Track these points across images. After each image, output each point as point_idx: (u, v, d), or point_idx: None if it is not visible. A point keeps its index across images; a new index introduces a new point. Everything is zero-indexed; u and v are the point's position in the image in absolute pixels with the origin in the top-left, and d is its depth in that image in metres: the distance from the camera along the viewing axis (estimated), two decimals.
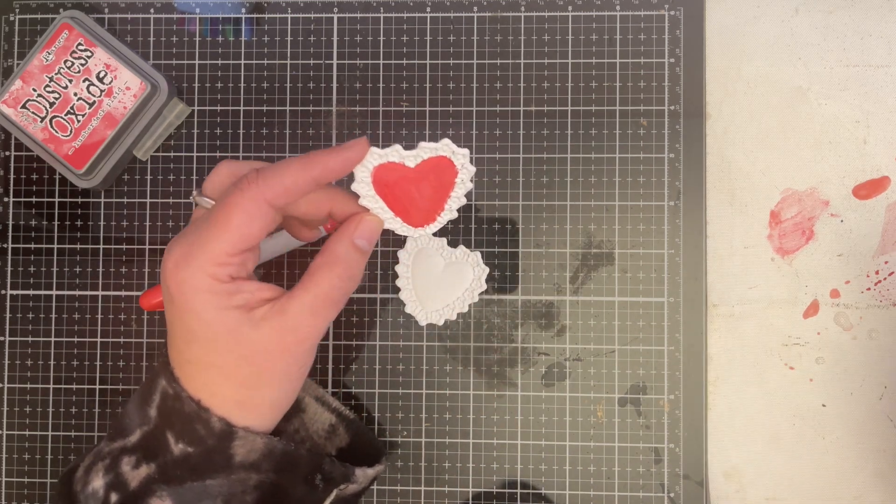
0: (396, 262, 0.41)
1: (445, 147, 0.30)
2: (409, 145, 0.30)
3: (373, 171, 0.30)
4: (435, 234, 0.40)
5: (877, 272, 0.40)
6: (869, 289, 0.40)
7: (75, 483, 0.30)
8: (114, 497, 0.29)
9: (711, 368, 0.40)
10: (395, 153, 0.30)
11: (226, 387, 0.29)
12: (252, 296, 0.29)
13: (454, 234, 0.41)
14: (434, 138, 0.41)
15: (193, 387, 0.29)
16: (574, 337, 0.40)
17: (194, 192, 0.31)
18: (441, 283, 0.40)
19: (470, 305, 0.40)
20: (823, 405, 0.40)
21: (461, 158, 0.30)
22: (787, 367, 0.40)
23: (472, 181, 0.30)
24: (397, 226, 0.31)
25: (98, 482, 0.29)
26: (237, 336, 0.28)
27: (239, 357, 0.28)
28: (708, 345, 0.40)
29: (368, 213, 0.30)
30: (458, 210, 0.32)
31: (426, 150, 0.30)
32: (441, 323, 0.40)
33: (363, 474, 0.34)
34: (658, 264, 0.40)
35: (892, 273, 0.40)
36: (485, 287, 0.40)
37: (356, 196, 0.30)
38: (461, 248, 0.40)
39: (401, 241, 0.41)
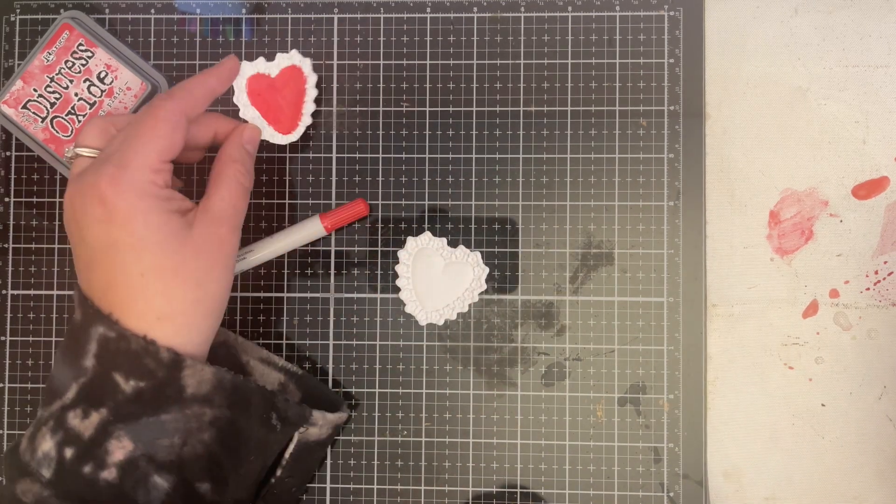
0: (396, 262, 0.41)
1: (294, 56, 0.40)
2: (270, 53, 0.41)
3: (246, 81, 0.39)
4: (434, 235, 0.40)
5: (876, 272, 0.40)
6: (868, 289, 0.40)
7: (22, 455, 0.30)
8: (69, 452, 0.29)
9: (711, 368, 0.40)
10: (261, 64, 0.39)
11: (178, 291, 0.31)
12: (181, 203, 0.32)
13: (454, 234, 0.41)
14: (434, 138, 0.41)
15: (136, 322, 0.30)
16: (574, 337, 0.40)
17: (70, 149, 0.33)
18: (441, 283, 0.40)
19: (470, 305, 0.41)
20: (823, 405, 0.40)
21: (307, 67, 0.40)
22: (786, 367, 0.40)
23: (315, 87, 0.40)
24: (270, 134, 0.40)
25: (47, 444, 0.30)
26: (182, 236, 0.31)
27: (186, 256, 0.31)
28: (707, 345, 0.40)
29: (249, 124, 0.37)
30: (314, 117, 0.40)
31: (283, 58, 0.40)
32: (441, 323, 0.40)
33: (322, 417, 0.36)
34: (657, 264, 0.40)
35: (892, 273, 0.40)
36: (485, 287, 0.40)
37: (230, 119, 0.37)
38: (461, 248, 0.40)
39: (401, 242, 0.41)
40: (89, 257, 0.31)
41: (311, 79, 0.40)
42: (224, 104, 0.42)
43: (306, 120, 0.40)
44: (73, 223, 0.31)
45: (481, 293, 0.40)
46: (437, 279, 0.40)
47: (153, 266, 0.30)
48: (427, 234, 0.40)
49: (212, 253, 0.32)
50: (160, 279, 0.30)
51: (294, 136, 0.40)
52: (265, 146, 0.41)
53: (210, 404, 0.31)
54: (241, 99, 0.40)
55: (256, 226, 0.41)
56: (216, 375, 0.31)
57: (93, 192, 0.30)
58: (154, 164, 0.31)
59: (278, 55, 0.40)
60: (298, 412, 0.35)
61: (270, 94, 0.39)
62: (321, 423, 0.36)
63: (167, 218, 0.31)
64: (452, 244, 0.41)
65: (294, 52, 0.40)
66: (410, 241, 0.40)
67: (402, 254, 0.40)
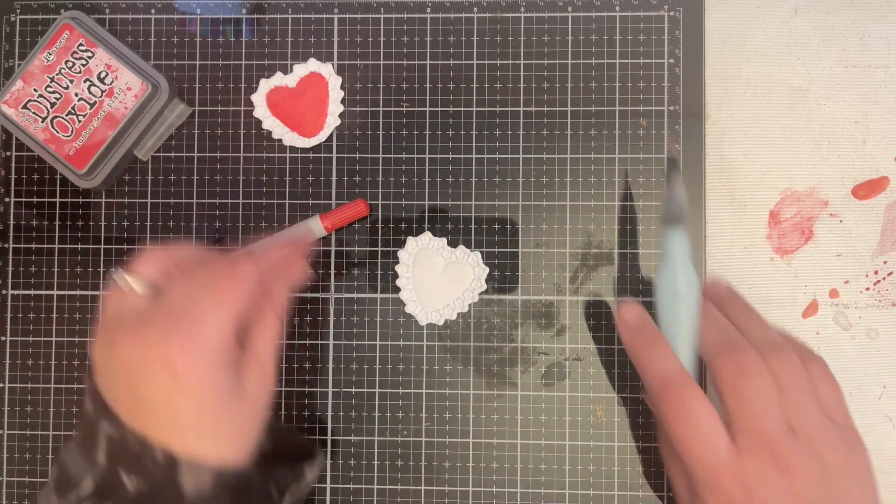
0: (396, 262, 0.41)
1: (312, 63, 0.41)
2: (285, 65, 0.42)
3: (266, 95, 0.41)
4: (434, 235, 0.40)
5: (876, 272, 0.40)
6: (868, 289, 0.40)
7: None
8: None
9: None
10: (277, 78, 0.41)
11: (231, 433, 0.31)
12: (236, 352, 0.31)
13: (454, 234, 0.41)
14: (434, 138, 0.41)
15: (150, 427, 0.29)
16: (574, 337, 0.40)
17: (121, 274, 0.31)
18: (441, 283, 0.40)
19: (470, 305, 0.41)
20: None
21: (326, 70, 0.41)
22: None
23: (342, 88, 0.41)
24: (293, 138, 0.41)
25: None
26: (238, 390, 0.30)
27: (242, 407, 0.31)
28: None
29: (300, 268, 0.35)
30: (342, 117, 0.41)
31: (300, 68, 0.41)
32: (441, 323, 0.40)
33: (311, 471, 0.36)
34: (658, 264, 0.40)
35: (892, 273, 0.40)
36: (485, 287, 0.40)
37: (285, 244, 0.35)
38: (461, 248, 0.40)
39: (401, 242, 0.41)
40: (138, 401, 0.30)
41: (334, 80, 0.41)
42: (245, 117, 0.42)
43: (332, 121, 0.41)
44: (119, 371, 0.30)
45: (481, 293, 0.41)
46: (437, 279, 0.40)
47: (210, 417, 0.30)
48: (427, 234, 0.40)
49: (261, 398, 0.32)
50: (215, 426, 0.30)
51: (320, 138, 0.41)
52: (265, 147, 0.42)
53: (214, 501, 0.30)
54: (262, 112, 0.41)
55: (256, 226, 0.41)
56: (217, 478, 0.30)
57: (158, 354, 0.28)
58: (227, 329, 0.30)
59: (296, 66, 0.41)
60: (293, 476, 0.35)
61: (290, 102, 0.41)
62: (310, 476, 0.36)
63: (227, 377, 0.30)
64: (452, 244, 0.41)
65: (312, 60, 0.41)
66: (410, 241, 0.40)
67: (402, 254, 0.40)
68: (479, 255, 0.40)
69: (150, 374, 0.29)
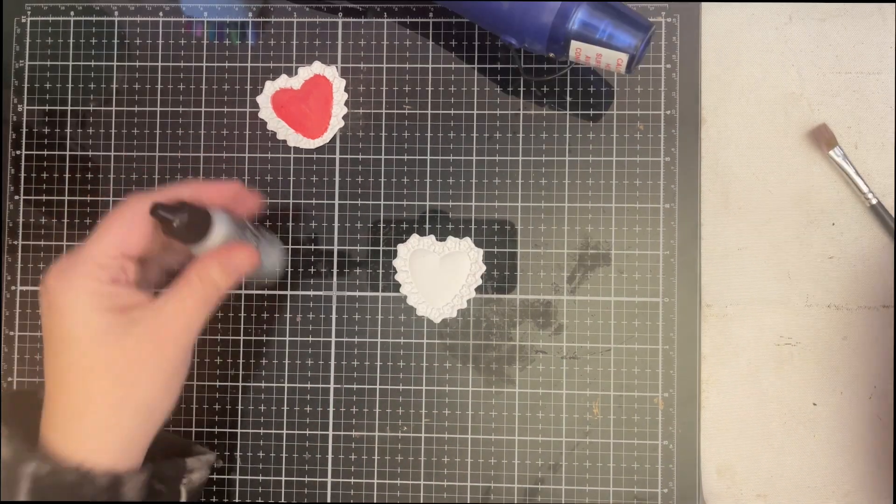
0: (396, 261, 0.41)
1: (316, 66, 0.42)
2: (290, 67, 0.43)
3: (271, 97, 0.42)
4: (435, 235, 0.41)
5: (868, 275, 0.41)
6: (860, 290, 0.41)
7: None
8: None
9: (705, 367, 0.41)
10: (282, 80, 0.42)
11: (101, 386, 0.29)
12: (129, 299, 0.31)
13: (455, 234, 0.42)
14: (436, 140, 0.42)
15: (71, 444, 0.29)
16: (571, 336, 0.41)
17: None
18: (439, 279, 0.41)
19: (469, 302, 0.41)
20: (814, 404, 0.41)
21: (331, 73, 0.42)
22: (779, 367, 0.41)
23: (346, 91, 0.42)
24: (297, 140, 0.42)
25: None
26: (114, 333, 0.30)
27: (116, 352, 0.29)
28: (701, 344, 0.41)
29: (246, 251, 0.33)
30: (346, 119, 0.42)
31: (305, 71, 0.42)
32: (443, 319, 0.41)
33: (197, 461, 0.35)
34: (653, 265, 0.41)
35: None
36: (483, 268, 0.41)
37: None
38: (451, 238, 0.41)
39: (403, 241, 0.41)
40: (45, 340, 0.31)
41: (338, 83, 0.42)
42: (251, 118, 0.42)
43: (336, 122, 0.42)
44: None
45: (478, 289, 0.41)
46: (435, 276, 0.41)
47: (74, 366, 0.29)
48: (415, 237, 0.41)
49: (143, 357, 0.30)
50: (94, 378, 0.29)
51: (324, 140, 0.42)
52: (270, 148, 0.42)
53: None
54: (267, 113, 0.42)
55: (260, 224, 0.42)
56: (146, 481, 0.30)
57: (45, 286, 0.30)
58: (99, 258, 0.30)
59: (301, 69, 0.42)
60: (174, 467, 0.34)
61: (295, 104, 0.42)
62: (198, 466, 0.35)
63: (102, 315, 0.29)
64: (442, 239, 0.41)
65: (316, 63, 0.42)
66: (401, 247, 0.41)
67: (396, 262, 0.41)
68: (469, 240, 0.41)
69: (41, 303, 0.31)
